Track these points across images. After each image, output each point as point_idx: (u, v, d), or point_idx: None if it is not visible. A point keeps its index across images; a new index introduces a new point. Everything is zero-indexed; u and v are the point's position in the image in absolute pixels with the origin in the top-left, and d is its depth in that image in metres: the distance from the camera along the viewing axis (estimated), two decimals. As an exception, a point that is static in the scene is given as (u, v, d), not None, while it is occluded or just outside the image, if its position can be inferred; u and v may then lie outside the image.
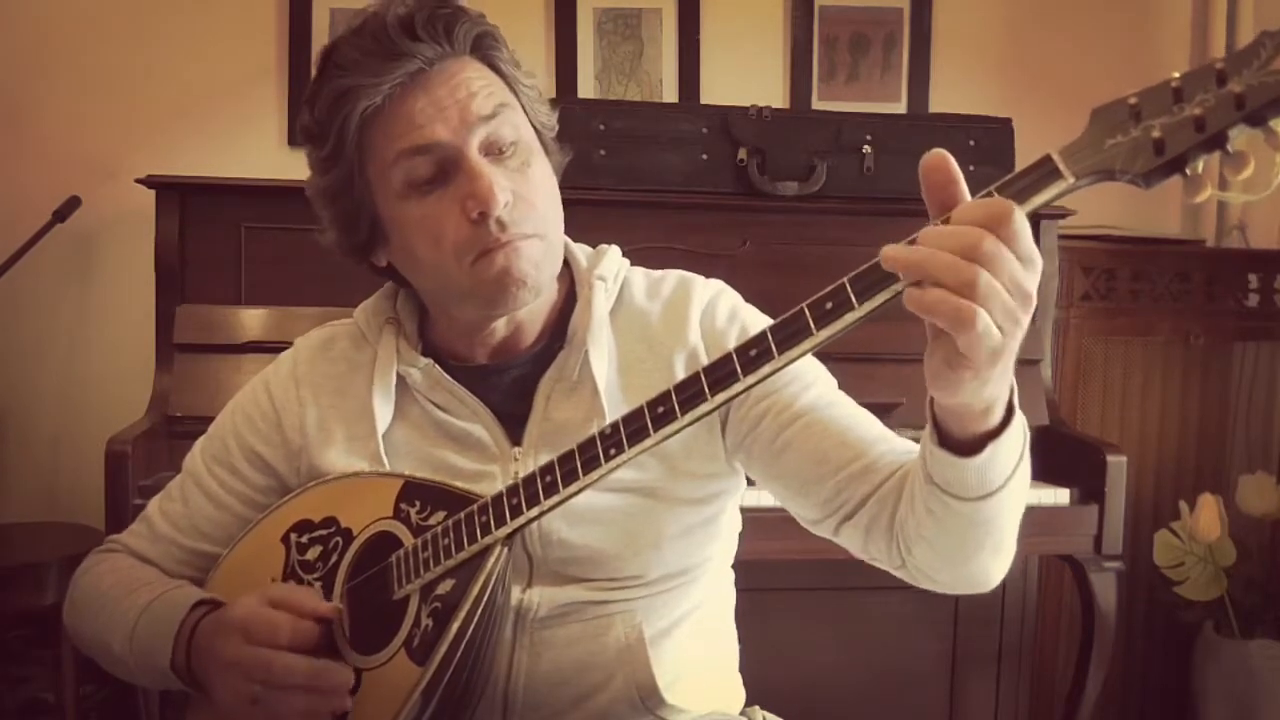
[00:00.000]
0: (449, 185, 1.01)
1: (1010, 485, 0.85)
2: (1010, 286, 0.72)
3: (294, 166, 2.50)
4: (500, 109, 1.03)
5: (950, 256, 0.71)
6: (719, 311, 1.12)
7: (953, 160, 0.75)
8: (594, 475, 0.90)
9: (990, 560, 0.93)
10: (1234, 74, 0.69)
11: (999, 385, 0.79)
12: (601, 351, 1.09)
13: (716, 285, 1.16)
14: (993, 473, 0.83)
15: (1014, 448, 0.84)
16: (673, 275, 1.17)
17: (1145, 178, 0.72)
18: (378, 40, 0.99)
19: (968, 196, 0.75)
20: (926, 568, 0.95)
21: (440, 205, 1.01)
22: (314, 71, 1.06)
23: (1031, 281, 0.73)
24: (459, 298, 1.07)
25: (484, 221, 1.00)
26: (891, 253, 0.73)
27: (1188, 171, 0.72)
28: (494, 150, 1.02)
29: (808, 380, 1.06)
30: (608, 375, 1.08)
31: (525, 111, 1.07)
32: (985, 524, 0.88)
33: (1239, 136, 0.70)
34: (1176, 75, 0.72)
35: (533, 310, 1.10)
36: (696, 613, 1.13)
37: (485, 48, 1.05)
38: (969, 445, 0.82)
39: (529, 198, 1.03)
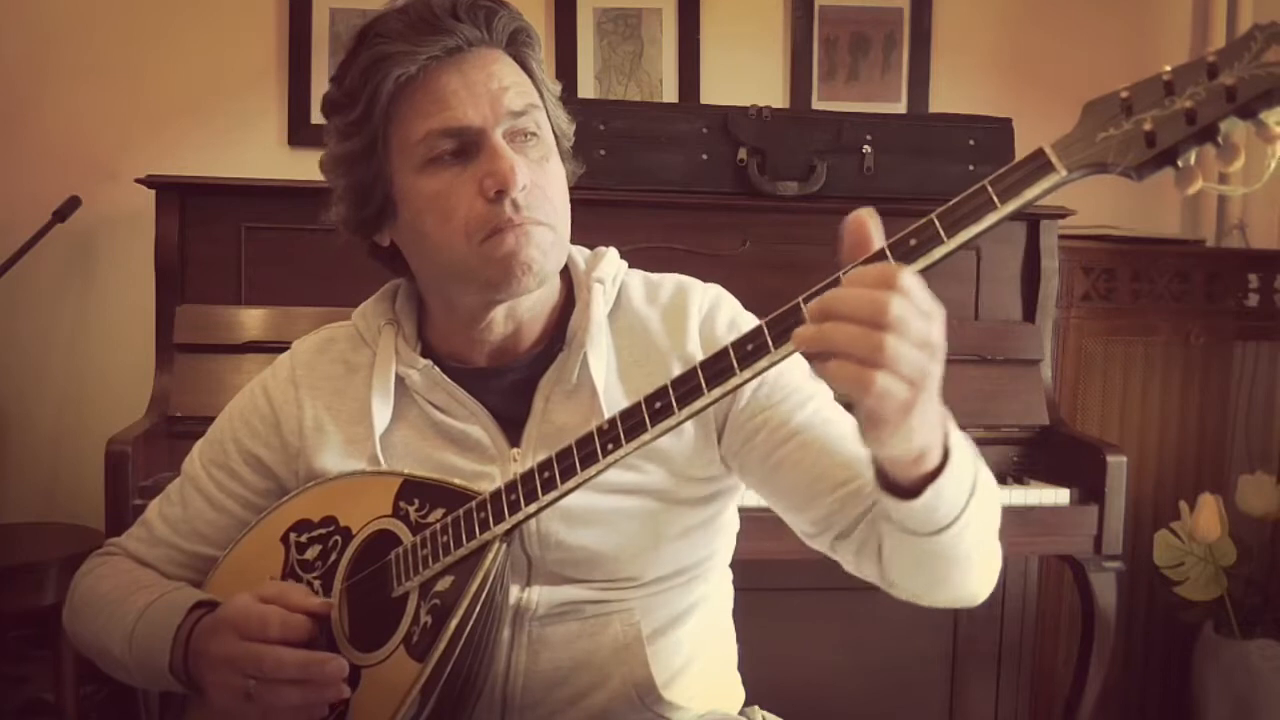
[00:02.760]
0: (469, 163, 1.02)
1: (966, 518, 0.87)
2: (919, 343, 0.74)
3: (294, 166, 2.54)
4: (529, 109, 1.04)
5: (854, 328, 0.73)
6: (719, 320, 1.11)
7: (870, 223, 0.79)
8: (592, 470, 0.90)
9: (965, 581, 0.96)
10: (1225, 67, 0.70)
11: (926, 434, 0.81)
12: (600, 354, 1.09)
13: (714, 291, 1.15)
14: (941, 510, 0.86)
15: (959, 484, 0.86)
16: (670, 280, 1.17)
17: (1137, 170, 0.73)
18: (422, 12, 1.01)
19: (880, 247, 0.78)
20: (910, 589, 0.98)
21: (457, 181, 1.02)
22: (347, 49, 1.06)
23: (937, 331, 0.76)
24: (462, 278, 1.05)
25: (500, 200, 1.00)
26: (800, 334, 0.76)
27: (1179, 164, 0.72)
28: (517, 138, 1.03)
29: (804, 395, 1.06)
30: (606, 378, 1.08)
31: (549, 114, 1.08)
32: (948, 554, 0.90)
33: (1230, 129, 0.70)
34: (1168, 69, 0.72)
35: (532, 312, 1.10)
36: (695, 611, 1.13)
37: (520, 44, 1.06)
38: (909, 489, 0.85)
39: (545, 188, 1.04)
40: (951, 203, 0.78)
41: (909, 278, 0.75)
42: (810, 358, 0.76)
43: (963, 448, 0.86)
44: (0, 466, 2.51)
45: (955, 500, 0.86)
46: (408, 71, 1.00)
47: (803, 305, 0.80)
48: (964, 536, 0.89)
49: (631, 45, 2.65)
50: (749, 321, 1.13)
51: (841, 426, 1.05)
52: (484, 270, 1.02)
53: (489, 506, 0.95)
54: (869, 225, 0.79)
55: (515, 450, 1.08)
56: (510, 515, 0.93)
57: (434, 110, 1.01)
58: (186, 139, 2.49)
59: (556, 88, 1.11)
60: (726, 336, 1.08)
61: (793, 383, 1.07)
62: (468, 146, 1.01)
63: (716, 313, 1.12)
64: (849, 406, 0.93)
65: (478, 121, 1.01)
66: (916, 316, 0.74)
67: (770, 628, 2.10)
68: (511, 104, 1.02)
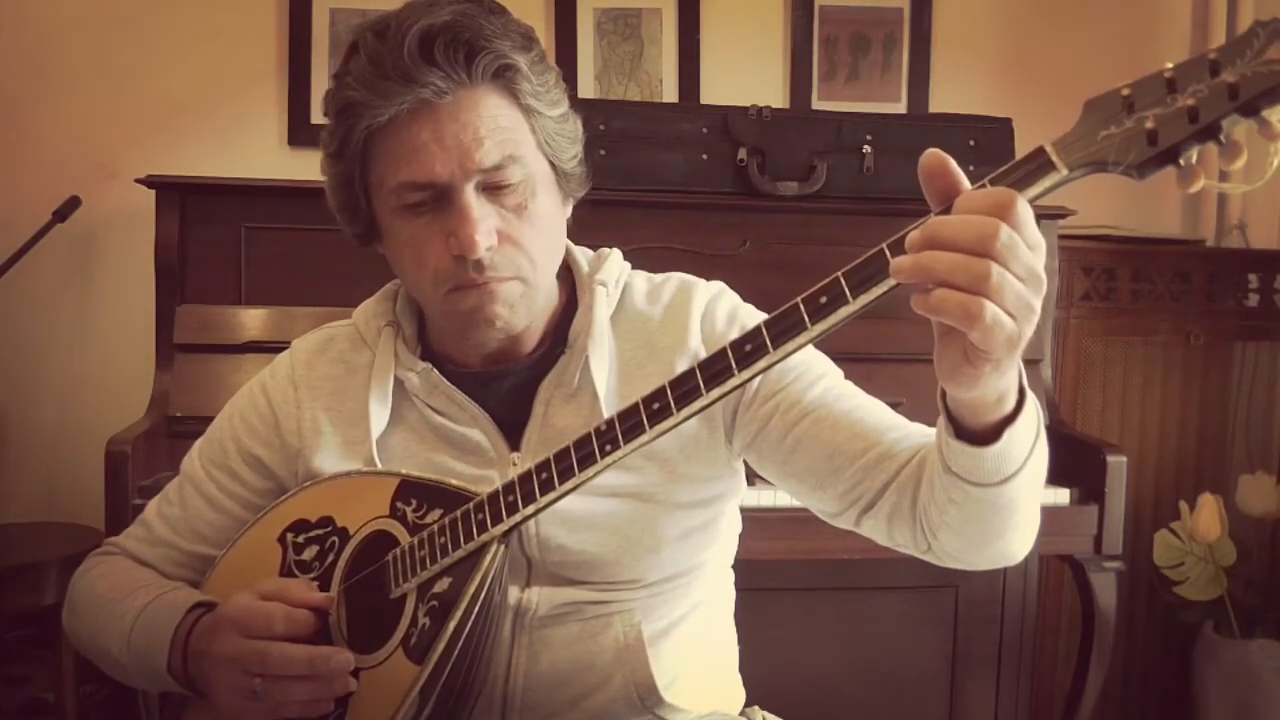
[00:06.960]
0: (439, 214, 1.00)
1: (1028, 465, 0.85)
2: (1024, 274, 0.71)
3: (294, 166, 2.54)
4: (507, 161, 0.99)
5: (956, 256, 0.70)
6: (718, 314, 1.11)
7: (950, 158, 0.75)
8: (589, 472, 0.90)
9: (1014, 537, 0.93)
10: (1227, 64, 0.69)
11: (1013, 373, 0.79)
12: (602, 357, 1.08)
13: (716, 287, 1.15)
14: (1011, 455, 0.83)
15: (1029, 428, 0.84)
16: (673, 279, 1.16)
17: (1139, 169, 0.71)
18: (394, 56, 0.95)
19: (968, 187, 0.75)
20: (953, 551, 0.95)
21: (429, 230, 1.01)
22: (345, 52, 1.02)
23: (1040, 264, 0.73)
24: (436, 315, 1.08)
25: (463, 260, 0.99)
26: (898, 263, 0.73)
27: (1181, 162, 0.71)
28: (493, 186, 1.00)
29: (814, 375, 1.06)
30: (608, 381, 1.08)
31: (541, 146, 1.04)
32: (1008, 505, 0.88)
33: (1233, 127, 0.69)
34: (1170, 66, 0.71)
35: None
36: (696, 613, 1.13)
37: (507, 79, 1.00)
38: (985, 434, 0.82)
39: (518, 239, 1.01)
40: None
41: (1022, 205, 0.71)
42: (912, 291, 0.73)
43: (1028, 388, 0.83)
44: (0, 466, 2.51)
45: (1024, 445, 0.84)
46: (377, 122, 0.98)
47: (886, 250, 0.76)
48: (1024, 484, 0.86)
49: (631, 45, 2.65)
50: (749, 313, 1.13)
51: (855, 400, 1.04)
52: (450, 319, 1.05)
53: (487, 508, 0.95)
54: (949, 160, 0.74)
55: (515, 454, 1.07)
56: (508, 516, 0.93)
57: (404, 161, 0.99)
58: (186, 139, 2.49)
59: (558, 108, 1.05)
60: (726, 328, 1.09)
61: (802, 363, 1.06)
62: (439, 197, 0.99)
63: (716, 306, 1.12)
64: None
65: (445, 177, 0.98)
66: (1024, 246, 0.71)
67: (770, 628, 2.11)
68: (484, 159, 0.98)
